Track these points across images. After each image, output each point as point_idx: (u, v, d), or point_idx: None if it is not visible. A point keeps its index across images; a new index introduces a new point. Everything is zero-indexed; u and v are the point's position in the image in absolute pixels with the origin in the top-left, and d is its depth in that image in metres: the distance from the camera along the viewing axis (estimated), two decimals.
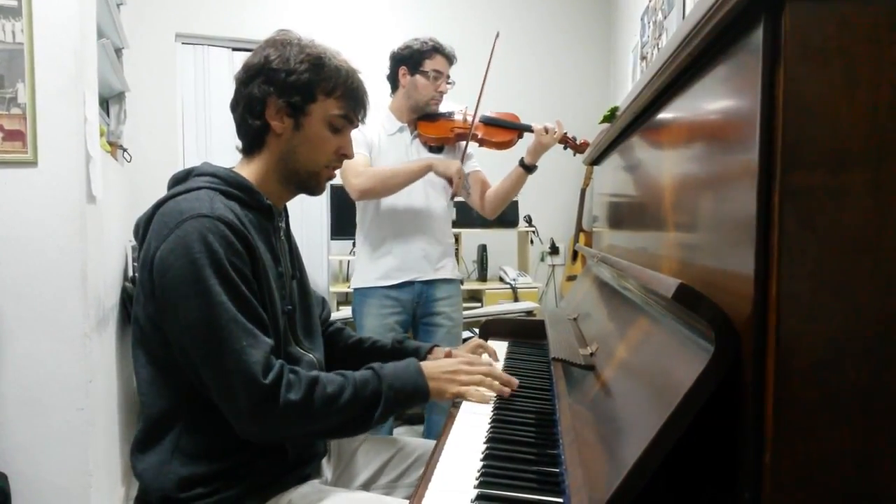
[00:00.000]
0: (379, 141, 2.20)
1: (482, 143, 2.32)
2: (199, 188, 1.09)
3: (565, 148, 2.33)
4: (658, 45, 2.79)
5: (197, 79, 3.59)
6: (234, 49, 3.60)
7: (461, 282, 2.47)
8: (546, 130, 2.18)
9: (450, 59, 2.24)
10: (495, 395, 1.23)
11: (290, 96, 1.14)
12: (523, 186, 2.31)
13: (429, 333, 2.28)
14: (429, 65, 2.19)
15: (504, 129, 2.31)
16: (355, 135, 2.18)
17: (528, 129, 2.26)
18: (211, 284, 1.00)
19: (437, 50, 2.20)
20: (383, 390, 1.12)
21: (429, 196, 2.23)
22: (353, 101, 1.21)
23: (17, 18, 1.72)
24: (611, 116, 1.47)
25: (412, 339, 2.38)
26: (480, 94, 2.22)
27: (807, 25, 0.57)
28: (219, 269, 1.01)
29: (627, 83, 3.46)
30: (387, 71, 2.28)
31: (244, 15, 3.61)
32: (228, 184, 1.13)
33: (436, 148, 2.28)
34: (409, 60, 2.20)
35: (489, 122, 2.31)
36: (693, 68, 0.82)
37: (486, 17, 3.93)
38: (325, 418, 1.07)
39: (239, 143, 1.23)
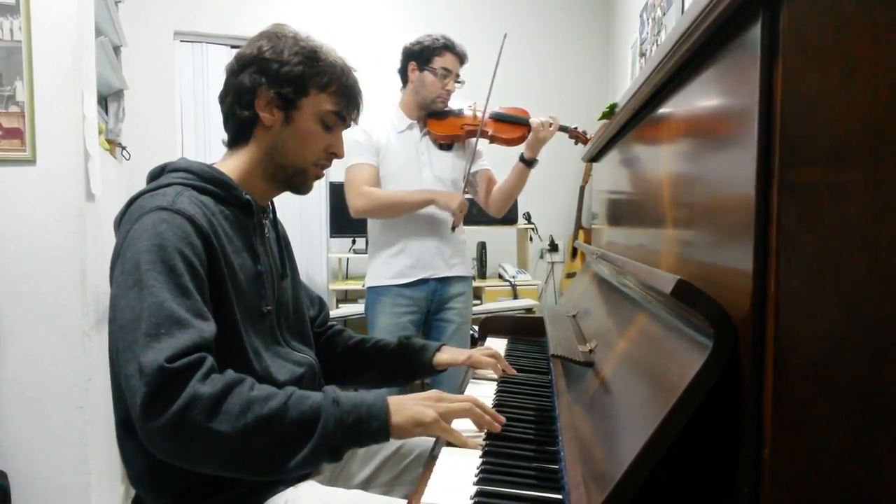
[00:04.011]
0: (387, 140, 2.20)
1: (493, 139, 2.31)
2: (169, 184, 1.07)
3: (577, 143, 2.34)
4: (657, 41, 2.79)
5: (195, 77, 3.58)
6: (233, 47, 3.60)
7: (473, 278, 2.47)
8: (542, 124, 2.18)
9: (461, 57, 2.23)
10: (482, 440, 1.02)
11: (281, 87, 1.12)
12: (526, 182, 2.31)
13: (439, 330, 2.29)
14: (438, 62, 2.19)
15: (514, 125, 2.30)
16: (361, 140, 2.21)
17: (526, 122, 2.26)
18: (146, 270, 0.93)
19: (447, 47, 2.20)
20: (324, 405, 0.93)
21: None
22: (346, 98, 1.18)
23: (15, 16, 1.71)
24: (609, 113, 1.47)
25: (423, 339, 2.39)
26: (489, 94, 2.21)
27: (805, 22, 0.57)
28: (163, 256, 0.95)
29: (626, 80, 3.45)
30: (398, 65, 2.28)
31: (243, 13, 3.60)
32: (202, 179, 1.10)
33: (445, 146, 2.28)
34: (419, 56, 2.20)
35: (499, 119, 2.30)
36: (691, 65, 0.82)
37: (485, 14, 3.93)
38: (241, 427, 0.87)
39: (225, 137, 1.20)
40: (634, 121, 1.23)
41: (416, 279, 2.20)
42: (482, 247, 3.80)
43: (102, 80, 2.33)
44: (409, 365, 1.43)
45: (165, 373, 0.86)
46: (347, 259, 3.68)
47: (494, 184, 2.37)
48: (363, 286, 2.31)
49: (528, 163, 2.24)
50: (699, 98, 0.81)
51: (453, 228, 2.23)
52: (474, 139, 2.26)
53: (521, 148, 2.34)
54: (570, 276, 3.92)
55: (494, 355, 1.45)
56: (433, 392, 1.05)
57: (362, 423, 0.94)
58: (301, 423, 0.91)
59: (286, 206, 1.32)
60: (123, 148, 2.69)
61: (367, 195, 2.14)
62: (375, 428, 0.95)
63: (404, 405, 0.99)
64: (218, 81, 3.77)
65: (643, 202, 1.16)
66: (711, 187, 0.75)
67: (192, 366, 0.88)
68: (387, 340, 1.46)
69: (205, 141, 3.57)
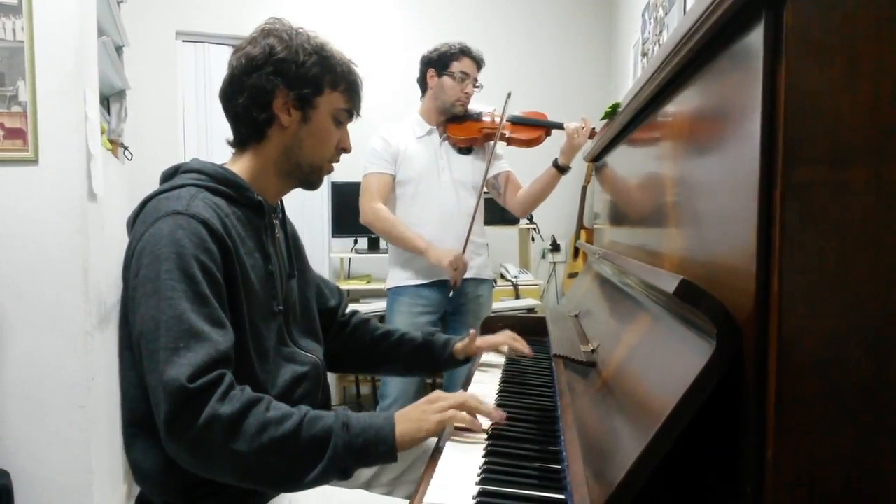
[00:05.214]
0: (406, 147, 2.24)
1: (510, 141, 2.35)
2: (183, 185, 1.08)
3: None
4: (659, 41, 2.79)
5: (197, 76, 3.59)
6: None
7: (494, 282, 2.48)
8: (577, 130, 2.19)
9: (478, 62, 2.28)
10: (489, 421, 1.05)
11: (300, 88, 1.13)
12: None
13: (455, 331, 2.30)
14: (456, 66, 2.23)
15: (531, 127, 2.34)
16: (378, 148, 2.25)
17: (558, 126, 2.29)
18: (164, 279, 0.96)
19: (464, 52, 2.25)
20: (335, 428, 0.96)
21: (459, 195, 2.26)
22: (354, 94, 1.21)
23: (17, 16, 1.72)
24: (612, 113, 1.47)
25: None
26: (504, 108, 2.24)
27: (808, 21, 0.57)
28: (181, 264, 0.97)
29: (628, 80, 3.45)
30: (416, 75, 2.33)
31: (244, 13, 3.60)
32: (216, 180, 1.11)
33: (465, 149, 2.31)
34: (436, 62, 2.25)
35: (517, 122, 2.34)
36: (694, 64, 0.82)
37: (486, 14, 3.92)
38: (256, 447, 0.92)
39: (229, 136, 1.20)
40: (637, 121, 1.23)
41: (434, 279, 2.21)
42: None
43: (105, 80, 2.33)
44: (431, 360, 1.50)
45: (187, 392, 0.90)
46: (349, 259, 3.68)
47: (517, 185, 2.39)
48: (368, 285, 2.33)
49: (561, 169, 2.26)
50: (702, 98, 0.81)
51: (450, 289, 2.20)
52: (492, 142, 2.29)
53: (537, 150, 2.38)
54: (572, 276, 3.92)
55: (515, 339, 1.56)
56: (430, 395, 1.08)
57: (370, 446, 0.97)
58: (312, 446, 0.95)
59: (288, 205, 1.32)
60: (126, 148, 2.70)
61: (375, 213, 2.20)
62: (383, 451, 0.97)
63: (405, 418, 1.01)
64: (220, 81, 3.77)
65: (645, 202, 1.15)
66: (714, 187, 0.75)
67: (211, 384, 0.92)
68: (413, 334, 1.51)
69: (207, 141, 3.58)
